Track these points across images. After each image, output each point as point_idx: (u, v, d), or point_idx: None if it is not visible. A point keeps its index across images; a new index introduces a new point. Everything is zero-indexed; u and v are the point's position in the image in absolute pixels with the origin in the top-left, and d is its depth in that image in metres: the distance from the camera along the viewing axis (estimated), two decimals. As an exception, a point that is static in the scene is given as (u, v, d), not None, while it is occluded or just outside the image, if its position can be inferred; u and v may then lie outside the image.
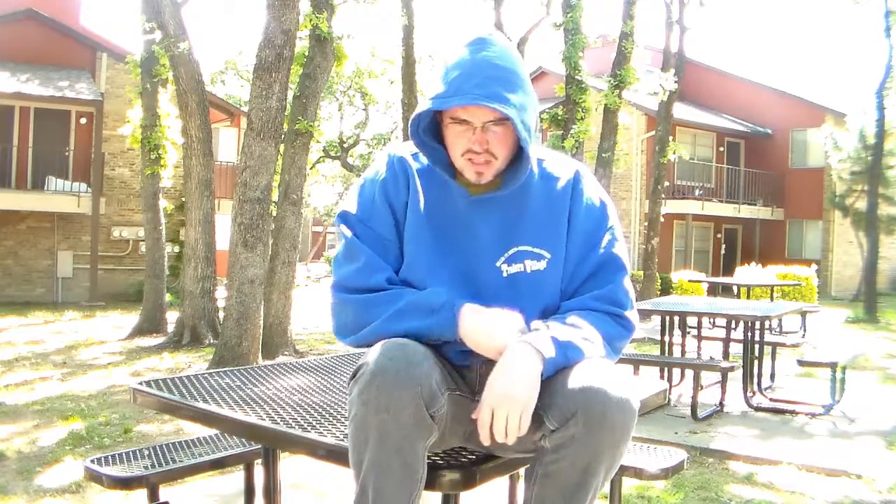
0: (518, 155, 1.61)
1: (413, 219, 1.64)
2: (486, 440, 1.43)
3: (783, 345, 6.43)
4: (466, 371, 1.64)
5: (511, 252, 1.62)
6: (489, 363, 1.62)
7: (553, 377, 1.47)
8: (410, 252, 1.63)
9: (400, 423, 1.36)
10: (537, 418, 1.47)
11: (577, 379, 1.44)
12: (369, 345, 1.51)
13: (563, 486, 1.43)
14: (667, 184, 16.44)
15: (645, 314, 9.59)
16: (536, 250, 1.62)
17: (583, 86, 10.72)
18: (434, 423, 1.41)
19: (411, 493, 1.39)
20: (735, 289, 11.00)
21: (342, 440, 1.52)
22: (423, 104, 1.57)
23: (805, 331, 7.80)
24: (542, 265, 1.62)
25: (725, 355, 5.61)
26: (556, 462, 1.42)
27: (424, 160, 1.67)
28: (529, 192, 1.65)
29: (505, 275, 1.62)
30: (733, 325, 6.07)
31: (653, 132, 16.87)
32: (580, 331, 1.53)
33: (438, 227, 1.63)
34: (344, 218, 1.67)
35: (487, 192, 1.63)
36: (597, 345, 1.53)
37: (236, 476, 3.38)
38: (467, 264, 1.63)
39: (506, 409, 1.40)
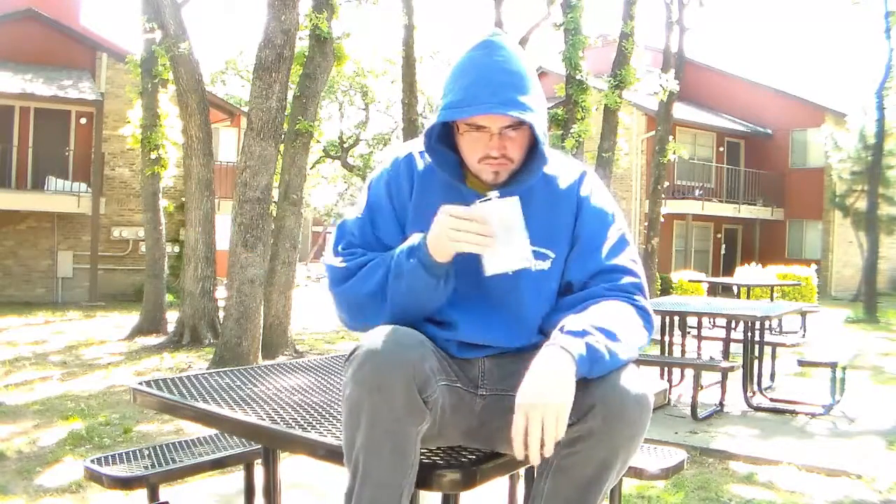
0: (530, 154, 1.62)
1: (421, 217, 1.64)
2: (519, 452, 1.35)
3: (783, 345, 6.42)
4: (468, 365, 1.64)
5: None
6: (492, 358, 1.63)
7: None
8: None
9: (392, 404, 1.36)
10: None
11: None
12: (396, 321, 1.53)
13: (577, 480, 1.43)
14: (667, 184, 16.44)
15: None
16: (542, 250, 1.62)
17: (583, 86, 10.72)
18: (427, 408, 1.41)
19: (402, 478, 1.38)
20: (735, 289, 10.99)
21: (341, 440, 1.52)
22: (438, 114, 1.57)
23: (805, 331, 7.79)
24: (546, 265, 1.63)
25: (725, 355, 5.61)
26: (571, 455, 1.42)
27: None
28: (535, 192, 1.65)
29: (510, 272, 1.62)
30: (733, 325, 6.06)
31: (653, 132, 16.87)
32: (611, 332, 1.47)
33: None
34: (344, 224, 1.71)
35: (497, 188, 1.62)
36: (627, 344, 1.49)
37: (236, 476, 3.38)
38: (475, 261, 1.62)
39: (541, 412, 1.33)
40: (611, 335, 1.46)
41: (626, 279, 1.62)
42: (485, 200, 1.48)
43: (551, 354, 1.40)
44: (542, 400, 1.34)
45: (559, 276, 1.65)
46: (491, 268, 1.49)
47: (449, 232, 1.46)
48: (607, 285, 1.60)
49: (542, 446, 1.34)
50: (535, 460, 1.35)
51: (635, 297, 1.61)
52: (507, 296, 1.62)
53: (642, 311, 1.60)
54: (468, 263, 1.62)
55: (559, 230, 1.65)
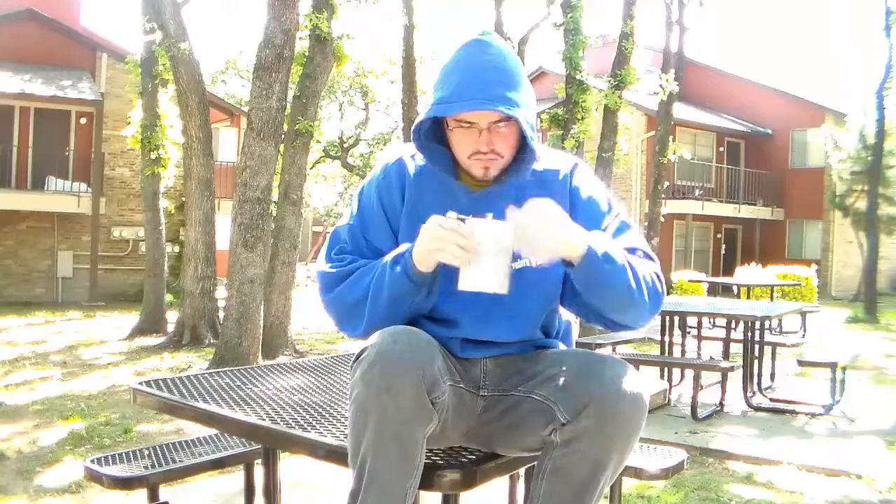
0: (521, 150, 1.63)
1: (414, 219, 1.64)
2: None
3: (783, 345, 6.43)
4: (470, 365, 1.64)
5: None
6: (494, 359, 1.64)
7: (564, 371, 1.48)
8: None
9: (400, 406, 1.36)
10: (547, 412, 1.47)
11: (588, 373, 1.45)
12: (374, 329, 1.52)
13: (572, 481, 1.43)
14: (667, 184, 16.41)
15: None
16: None
17: (584, 86, 10.71)
18: (434, 410, 1.41)
19: (407, 480, 1.38)
20: (735, 289, 11.00)
21: (342, 440, 1.52)
22: (427, 110, 1.58)
23: (805, 331, 7.79)
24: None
25: (725, 355, 5.61)
26: (566, 456, 1.42)
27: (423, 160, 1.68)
28: (527, 189, 1.66)
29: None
30: (733, 325, 6.06)
31: (653, 132, 16.85)
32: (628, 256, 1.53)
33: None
34: (336, 232, 1.71)
35: (489, 186, 1.64)
36: (637, 273, 1.52)
37: (236, 476, 3.38)
38: None
39: (544, 212, 1.42)
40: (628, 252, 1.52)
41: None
42: (479, 216, 1.47)
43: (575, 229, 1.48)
44: (550, 214, 1.43)
45: (560, 271, 1.64)
46: (464, 284, 1.47)
47: (432, 240, 1.46)
48: None
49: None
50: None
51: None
52: (512, 292, 1.61)
53: (656, 268, 1.61)
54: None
55: None
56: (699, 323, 6.63)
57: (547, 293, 1.65)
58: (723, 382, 5.37)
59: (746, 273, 14.53)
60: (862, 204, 16.78)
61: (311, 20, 8.03)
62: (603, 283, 1.47)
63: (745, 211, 21.27)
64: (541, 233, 1.41)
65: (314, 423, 1.66)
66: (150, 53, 9.81)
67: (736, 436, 4.63)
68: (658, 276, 1.58)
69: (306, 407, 1.80)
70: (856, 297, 18.09)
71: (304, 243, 32.44)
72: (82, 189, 14.68)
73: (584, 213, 1.65)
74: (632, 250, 1.59)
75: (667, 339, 5.97)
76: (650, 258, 1.62)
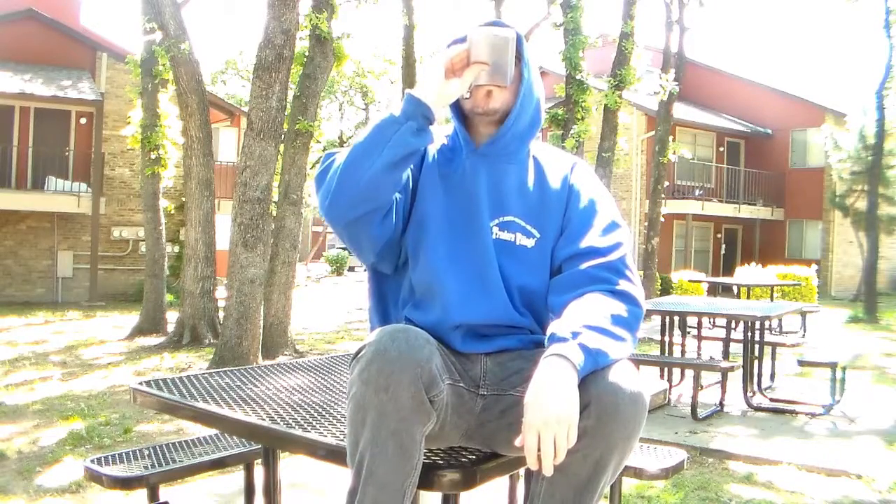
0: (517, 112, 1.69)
1: (428, 184, 1.72)
2: (533, 465, 1.38)
3: (783, 345, 6.42)
4: (470, 364, 1.65)
5: (505, 219, 1.68)
6: (494, 357, 1.65)
7: None
8: (418, 198, 1.71)
9: (398, 404, 1.36)
10: None
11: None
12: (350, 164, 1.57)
13: (573, 480, 1.43)
14: (667, 184, 16.43)
15: (645, 314, 9.63)
16: (528, 227, 1.69)
17: (584, 86, 10.72)
18: (433, 408, 1.41)
19: (405, 479, 1.38)
20: (735, 289, 11.00)
21: (342, 440, 1.52)
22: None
23: (805, 331, 7.80)
24: (530, 242, 1.68)
25: (725, 355, 5.61)
26: (566, 456, 1.42)
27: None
28: (528, 170, 1.74)
29: (494, 236, 1.67)
30: (733, 325, 6.07)
31: (653, 132, 16.86)
32: (603, 330, 1.49)
33: (446, 178, 1.71)
34: None
35: (489, 139, 1.70)
36: (622, 343, 1.51)
37: (236, 476, 3.38)
38: (466, 216, 1.69)
39: (552, 430, 1.34)
40: (601, 330, 1.48)
41: (609, 258, 1.64)
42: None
43: (550, 365, 1.40)
44: (551, 417, 1.34)
45: (546, 258, 1.69)
46: (476, 57, 1.59)
47: (439, 59, 1.59)
48: (591, 265, 1.63)
49: (554, 457, 1.35)
50: (549, 472, 1.36)
51: (618, 282, 1.62)
52: (492, 257, 1.66)
53: (626, 296, 1.60)
54: (464, 216, 1.67)
55: (549, 214, 1.70)
56: (699, 323, 6.64)
57: (526, 272, 1.68)
58: (723, 382, 5.37)
59: (746, 273, 14.54)
60: (862, 204, 16.77)
61: (311, 20, 8.04)
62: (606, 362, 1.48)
63: (745, 211, 21.26)
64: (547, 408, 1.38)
65: (314, 422, 1.66)
66: (150, 53, 9.81)
67: (736, 436, 4.63)
68: (632, 307, 1.59)
69: (306, 407, 1.80)
70: (856, 297, 18.08)
71: (304, 243, 32.41)
72: (82, 189, 14.68)
73: (578, 212, 1.70)
74: (613, 248, 1.64)
75: (667, 338, 5.97)
76: (625, 267, 1.64)
